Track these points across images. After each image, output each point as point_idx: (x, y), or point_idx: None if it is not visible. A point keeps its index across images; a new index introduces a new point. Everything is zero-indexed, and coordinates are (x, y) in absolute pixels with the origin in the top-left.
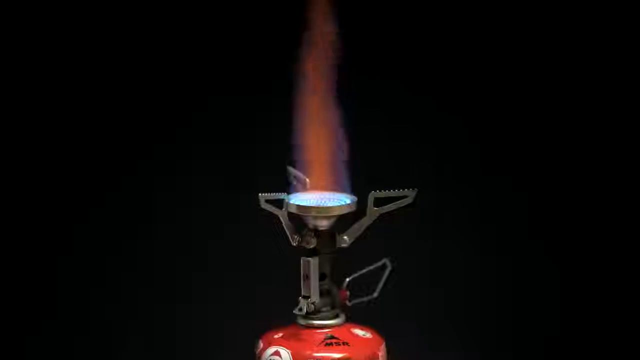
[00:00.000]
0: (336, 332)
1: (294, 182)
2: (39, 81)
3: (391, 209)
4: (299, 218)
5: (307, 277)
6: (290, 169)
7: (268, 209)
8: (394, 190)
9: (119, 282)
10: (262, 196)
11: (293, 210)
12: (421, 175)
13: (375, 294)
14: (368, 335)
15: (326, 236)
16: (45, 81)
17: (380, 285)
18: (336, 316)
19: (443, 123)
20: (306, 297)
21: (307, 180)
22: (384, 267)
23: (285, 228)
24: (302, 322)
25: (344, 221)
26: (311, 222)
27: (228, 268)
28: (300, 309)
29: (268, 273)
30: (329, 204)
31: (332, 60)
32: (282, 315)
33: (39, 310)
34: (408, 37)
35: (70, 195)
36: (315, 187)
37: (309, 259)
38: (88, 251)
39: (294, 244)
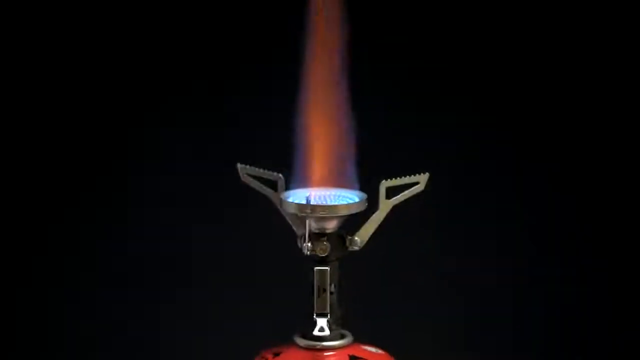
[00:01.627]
0: (353, 352)
1: (251, 184)
2: (13, 79)
3: (403, 199)
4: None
5: (323, 290)
6: (244, 167)
7: (294, 211)
8: (403, 177)
9: (94, 283)
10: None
11: (292, 210)
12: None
13: None
14: (380, 351)
15: (335, 240)
16: (18, 79)
17: None
18: (342, 335)
19: (442, 117)
20: (323, 315)
21: (281, 177)
22: None
23: (307, 235)
24: (302, 343)
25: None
26: (316, 225)
27: (203, 272)
28: (322, 329)
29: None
30: (338, 202)
31: (338, 44)
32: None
33: (12, 311)
34: (412, 29)
35: (43, 195)
36: (307, 184)
37: (326, 268)
38: (62, 251)
39: (307, 253)
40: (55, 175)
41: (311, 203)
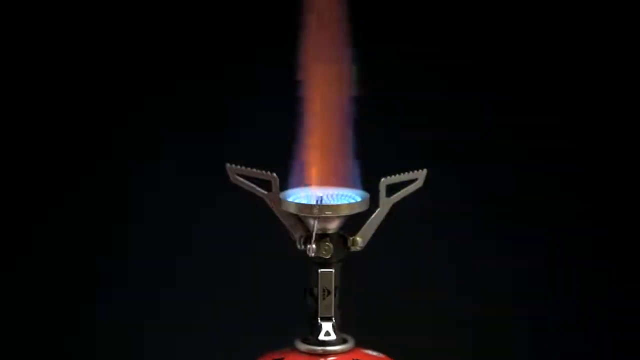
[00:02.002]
0: (355, 356)
1: (242, 185)
2: (14, 82)
3: (403, 196)
4: (298, 220)
5: (328, 293)
6: (233, 167)
7: (296, 212)
8: (402, 174)
9: (94, 283)
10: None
11: (293, 210)
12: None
13: None
14: (381, 355)
15: (337, 240)
16: (21, 82)
17: None
18: (344, 339)
19: (441, 116)
20: (328, 318)
21: (275, 177)
22: None
23: (314, 236)
24: (303, 348)
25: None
26: (317, 225)
27: (203, 272)
28: (327, 334)
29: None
30: (342, 202)
31: (339, 43)
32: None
33: (12, 310)
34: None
35: (27, 195)
36: (305, 183)
37: (331, 270)
38: (61, 251)
39: (312, 254)
40: (56, 175)
41: (322, 203)
